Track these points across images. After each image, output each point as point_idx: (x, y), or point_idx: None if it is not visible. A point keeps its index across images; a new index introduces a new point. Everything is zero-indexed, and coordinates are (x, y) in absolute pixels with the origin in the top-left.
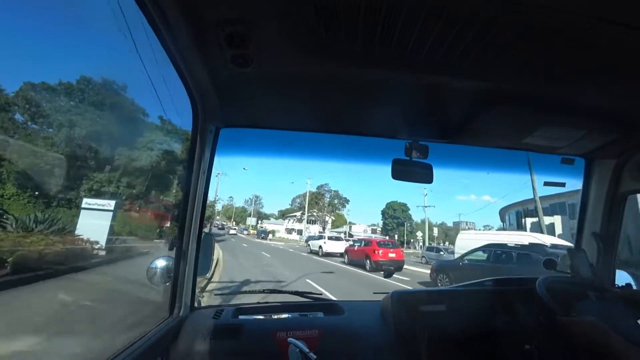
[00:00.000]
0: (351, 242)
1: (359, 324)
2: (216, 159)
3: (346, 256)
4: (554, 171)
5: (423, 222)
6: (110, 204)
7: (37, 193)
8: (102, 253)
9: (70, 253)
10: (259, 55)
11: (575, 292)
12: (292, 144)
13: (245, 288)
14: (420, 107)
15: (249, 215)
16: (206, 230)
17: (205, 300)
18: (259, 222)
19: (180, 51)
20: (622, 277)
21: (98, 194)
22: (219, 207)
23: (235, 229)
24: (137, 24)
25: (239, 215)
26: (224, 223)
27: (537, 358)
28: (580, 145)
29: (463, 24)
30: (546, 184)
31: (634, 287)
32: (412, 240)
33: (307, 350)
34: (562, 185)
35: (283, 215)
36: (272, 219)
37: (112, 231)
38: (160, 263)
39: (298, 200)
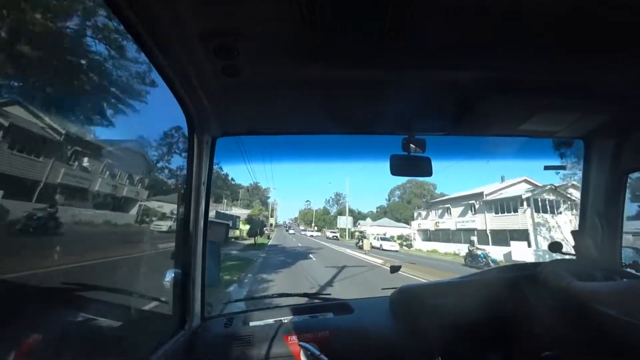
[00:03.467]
0: None
1: (369, 321)
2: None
3: None
4: (553, 155)
5: None
6: None
7: None
8: None
9: None
10: (248, 65)
11: (582, 274)
12: (286, 147)
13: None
14: (415, 101)
15: (338, 215)
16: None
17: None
18: (356, 223)
19: (169, 65)
20: (629, 256)
21: None
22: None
23: (291, 228)
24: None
25: (320, 219)
26: (297, 224)
27: (547, 340)
28: (578, 126)
29: (454, 14)
30: (546, 167)
31: None
32: None
33: (318, 352)
34: (563, 168)
35: (385, 212)
36: (367, 219)
37: None
38: (169, 275)
39: (398, 192)
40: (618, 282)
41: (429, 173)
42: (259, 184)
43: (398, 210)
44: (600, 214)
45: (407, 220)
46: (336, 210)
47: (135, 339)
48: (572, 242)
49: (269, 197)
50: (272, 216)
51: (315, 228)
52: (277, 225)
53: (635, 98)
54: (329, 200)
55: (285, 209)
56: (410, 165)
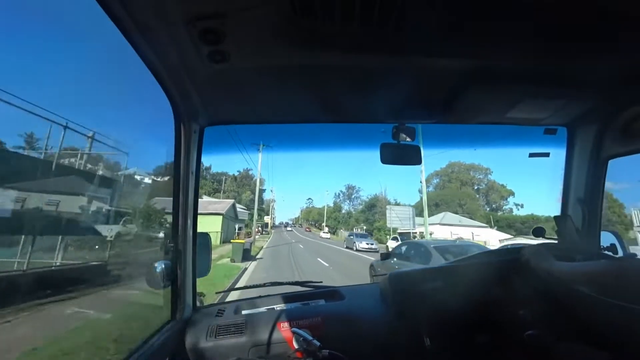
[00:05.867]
0: None
1: (360, 307)
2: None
3: None
4: (537, 143)
5: None
6: None
7: None
8: None
9: None
10: (236, 50)
11: (563, 257)
12: (274, 136)
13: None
14: (404, 89)
15: (369, 210)
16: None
17: None
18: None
19: (154, 51)
20: (607, 238)
21: None
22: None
23: (288, 226)
24: (105, 28)
25: (331, 217)
26: (307, 229)
27: (531, 322)
28: (562, 114)
29: (441, 3)
30: (531, 155)
31: (618, 247)
32: None
33: (311, 337)
34: (547, 155)
35: (437, 205)
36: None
37: None
38: (159, 267)
39: (436, 180)
40: (594, 262)
41: (418, 161)
42: (250, 171)
43: (454, 200)
44: (581, 199)
45: (472, 214)
46: (367, 201)
47: (127, 331)
48: None
49: (264, 189)
50: (268, 214)
51: (327, 229)
52: (274, 227)
53: (616, 85)
54: (339, 194)
55: (285, 204)
56: (400, 153)
